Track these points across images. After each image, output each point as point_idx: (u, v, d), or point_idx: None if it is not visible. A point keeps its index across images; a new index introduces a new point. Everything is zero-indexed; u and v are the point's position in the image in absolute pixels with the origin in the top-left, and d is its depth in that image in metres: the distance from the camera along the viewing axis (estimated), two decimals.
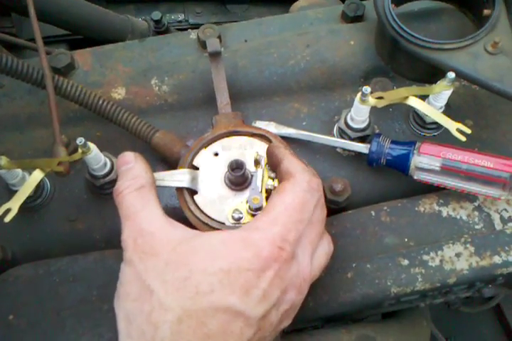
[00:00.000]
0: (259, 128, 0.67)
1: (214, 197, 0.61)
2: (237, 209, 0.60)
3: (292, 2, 1.31)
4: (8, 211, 0.61)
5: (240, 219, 0.59)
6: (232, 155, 0.63)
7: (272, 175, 0.60)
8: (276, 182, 0.60)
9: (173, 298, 0.47)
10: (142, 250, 0.50)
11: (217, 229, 0.59)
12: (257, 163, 0.62)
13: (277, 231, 0.50)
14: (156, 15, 1.21)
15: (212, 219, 0.60)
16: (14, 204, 0.61)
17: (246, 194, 0.61)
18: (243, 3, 1.35)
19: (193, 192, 0.61)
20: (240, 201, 0.60)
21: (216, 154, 0.64)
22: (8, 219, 0.61)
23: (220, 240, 0.51)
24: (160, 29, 1.23)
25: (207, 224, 0.59)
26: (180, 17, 1.37)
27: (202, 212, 0.60)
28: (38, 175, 0.63)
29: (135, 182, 0.55)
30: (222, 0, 1.36)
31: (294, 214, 0.52)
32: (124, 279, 0.52)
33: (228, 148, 0.64)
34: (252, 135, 0.65)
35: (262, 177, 0.60)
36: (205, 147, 0.64)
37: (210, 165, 0.63)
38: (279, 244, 0.50)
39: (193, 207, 0.60)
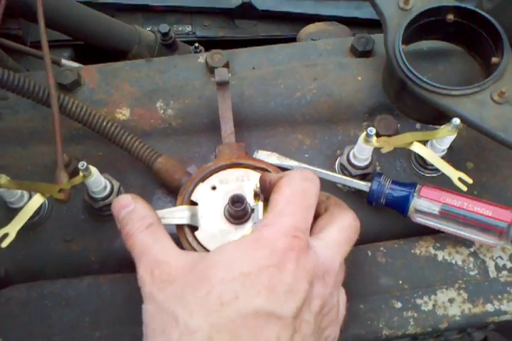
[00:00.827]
0: (262, 161, 0.67)
1: (215, 231, 0.61)
2: None
3: (300, 21, 1.33)
4: (5, 236, 0.61)
5: None
6: (230, 188, 0.63)
7: None
8: None
9: (199, 317, 0.45)
10: (160, 280, 0.49)
11: None
12: (256, 195, 0.62)
13: (287, 221, 0.50)
14: (164, 28, 1.21)
15: None
16: (12, 229, 0.61)
17: (247, 227, 0.61)
18: (252, 19, 1.35)
19: (193, 228, 0.61)
20: (241, 234, 0.61)
21: (214, 188, 0.64)
22: (4, 244, 0.60)
23: (234, 247, 0.50)
24: (167, 42, 1.22)
25: None
26: (188, 29, 1.37)
27: (204, 248, 0.60)
28: (38, 200, 0.63)
29: (144, 222, 0.55)
30: (231, 14, 1.36)
31: (298, 202, 0.52)
32: (147, 318, 0.50)
33: (226, 182, 0.64)
34: (255, 168, 0.66)
35: (263, 209, 0.60)
36: (203, 181, 0.64)
37: (209, 199, 0.63)
38: (292, 234, 0.49)
39: (194, 244, 0.60)
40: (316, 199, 0.54)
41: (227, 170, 0.65)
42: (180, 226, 0.62)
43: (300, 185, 0.53)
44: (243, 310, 0.45)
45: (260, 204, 0.60)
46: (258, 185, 0.62)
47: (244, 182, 0.64)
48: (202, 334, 0.44)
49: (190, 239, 0.61)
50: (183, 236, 0.61)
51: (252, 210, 0.61)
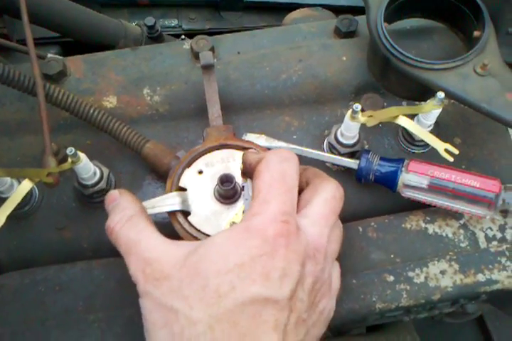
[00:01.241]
0: (250, 142, 0.68)
1: (208, 214, 0.61)
2: (233, 222, 0.60)
3: (285, 11, 1.33)
4: None
5: None
6: (216, 170, 0.64)
7: None
8: None
9: (199, 309, 0.46)
10: (154, 277, 0.50)
11: None
12: (243, 173, 0.62)
13: (273, 207, 0.50)
14: (150, 20, 1.21)
15: (210, 236, 0.59)
16: (2, 215, 0.61)
17: (239, 205, 0.61)
18: (237, 11, 1.36)
19: (185, 213, 0.61)
20: (234, 213, 0.61)
21: (200, 172, 0.64)
22: None
23: (225, 238, 0.50)
24: (153, 35, 1.23)
25: None
26: (174, 22, 1.38)
27: (199, 231, 0.60)
28: (26, 185, 0.63)
29: (123, 215, 0.55)
30: (216, 7, 1.36)
31: (280, 186, 0.52)
32: (146, 312, 0.50)
33: (211, 164, 0.64)
34: (243, 149, 0.66)
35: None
36: (189, 166, 0.64)
37: (197, 183, 0.63)
38: (281, 219, 0.50)
39: (189, 228, 0.60)
40: (297, 178, 0.54)
41: (211, 153, 0.65)
42: (172, 213, 0.61)
43: (279, 167, 0.54)
44: (240, 298, 0.46)
45: (249, 181, 0.61)
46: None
47: (230, 162, 0.64)
48: (203, 325, 0.46)
49: (185, 224, 0.61)
50: (176, 222, 0.61)
51: (242, 188, 0.61)
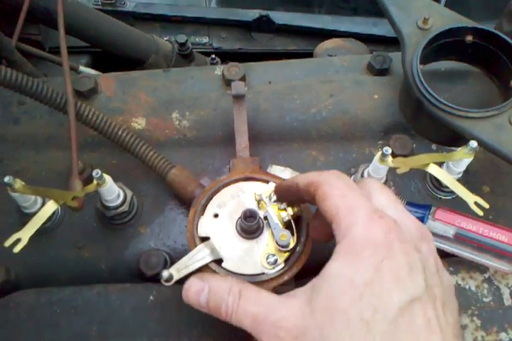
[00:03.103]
0: (276, 176, 0.67)
1: (240, 254, 0.59)
2: (267, 254, 0.59)
3: (316, 36, 1.34)
4: (18, 241, 0.61)
5: (276, 261, 0.58)
6: (230, 208, 0.62)
7: (281, 206, 0.60)
8: (289, 211, 0.60)
9: None
10: (291, 337, 0.46)
11: (265, 282, 0.57)
12: (258, 202, 0.62)
13: (362, 211, 0.48)
14: (181, 38, 1.22)
15: (251, 275, 0.58)
16: (24, 235, 0.61)
17: (265, 236, 0.60)
18: (268, 33, 1.36)
19: (218, 261, 0.60)
20: (264, 244, 0.60)
21: (216, 215, 0.62)
22: (17, 249, 0.61)
23: (337, 266, 0.47)
24: (184, 52, 1.24)
25: (250, 283, 0.56)
26: (205, 40, 1.38)
27: (241, 274, 0.58)
28: (51, 207, 0.63)
29: (234, 296, 0.51)
30: (248, 27, 1.37)
31: (353, 193, 0.50)
32: None
33: (224, 204, 0.63)
34: (268, 182, 0.65)
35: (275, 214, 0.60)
36: (202, 214, 0.62)
37: (217, 228, 0.61)
38: (376, 216, 0.47)
39: (229, 276, 0.58)
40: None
41: (220, 193, 0.64)
42: (204, 267, 0.59)
43: (341, 181, 0.51)
44: (388, 316, 0.44)
45: (269, 209, 0.60)
46: (256, 193, 0.61)
47: (241, 196, 0.63)
48: None
49: (223, 273, 0.59)
50: (212, 273, 0.59)
51: (265, 218, 0.60)
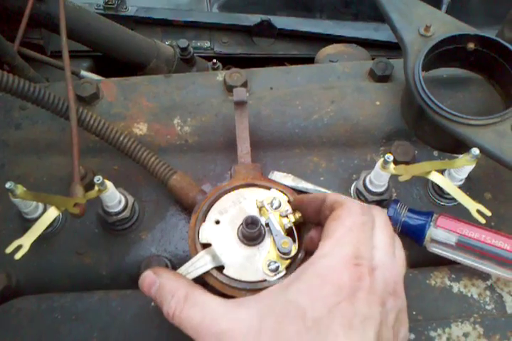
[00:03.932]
0: (277, 183, 0.67)
1: (241, 261, 0.59)
2: (269, 261, 0.59)
3: (317, 41, 1.34)
4: (19, 247, 0.61)
5: (277, 268, 0.58)
6: (232, 214, 0.62)
7: (283, 213, 0.60)
8: (291, 217, 0.60)
9: None
10: None
11: (265, 288, 0.58)
12: (260, 209, 0.62)
13: (347, 250, 0.48)
14: (183, 42, 1.22)
15: (253, 282, 0.58)
16: (26, 241, 0.61)
17: (267, 243, 0.60)
18: (270, 38, 1.37)
19: (219, 268, 0.59)
20: (266, 252, 0.60)
21: (217, 222, 0.62)
22: (18, 256, 0.60)
23: (296, 292, 0.47)
24: (185, 56, 1.24)
25: (252, 290, 0.58)
26: (206, 44, 1.39)
27: (242, 281, 0.58)
28: (52, 214, 0.63)
29: (178, 298, 0.51)
30: (249, 32, 1.37)
31: (360, 233, 0.50)
32: None
33: (225, 211, 0.63)
34: (269, 189, 0.65)
35: (277, 221, 0.60)
36: (203, 220, 0.62)
37: (219, 234, 0.61)
38: (354, 262, 0.47)
39: (231, 283, 0.58)
40: (371, 233, 0.51)
41: (221, 199, 0.64)
42: (206, 273, 0.59)
43: (361, 218, 0.51)
44: None
45: (271, 216, 0.60)
46: (257, 199, 0.62)
47: (242, 203, 0.63)
48: None
49: (225, 279, 0.59)
50: (214, 280, 0.59)
51: (267, 225, 0.60)
